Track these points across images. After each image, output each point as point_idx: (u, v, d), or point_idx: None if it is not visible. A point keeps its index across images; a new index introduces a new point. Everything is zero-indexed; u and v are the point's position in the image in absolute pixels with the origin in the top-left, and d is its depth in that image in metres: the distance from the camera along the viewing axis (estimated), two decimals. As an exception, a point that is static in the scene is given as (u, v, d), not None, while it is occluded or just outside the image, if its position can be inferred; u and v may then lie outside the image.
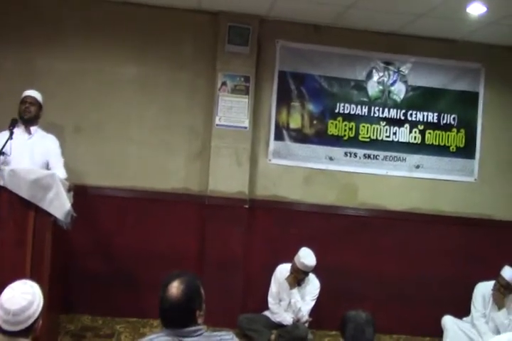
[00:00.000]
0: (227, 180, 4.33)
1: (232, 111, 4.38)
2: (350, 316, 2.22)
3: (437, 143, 4.69)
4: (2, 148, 3.20)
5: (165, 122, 4.43)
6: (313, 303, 3.98)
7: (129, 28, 4.38)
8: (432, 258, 4.57)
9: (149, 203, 4.35)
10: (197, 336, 1.84)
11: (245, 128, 4.40)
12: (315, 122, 4.60)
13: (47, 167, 3.58)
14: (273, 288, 4.08)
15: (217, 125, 4.36)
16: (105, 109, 4.35)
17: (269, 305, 4.07)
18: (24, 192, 3.04)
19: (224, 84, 4.39)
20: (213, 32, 4.42)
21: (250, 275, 4.37)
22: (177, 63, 4.45)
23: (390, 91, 4.67)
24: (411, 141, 4.67)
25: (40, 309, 2.13)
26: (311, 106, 4.58)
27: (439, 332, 4.26)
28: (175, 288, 1.83)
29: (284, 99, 4.56)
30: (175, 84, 4.45)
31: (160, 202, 4.36)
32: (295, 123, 4.57)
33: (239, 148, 4.37)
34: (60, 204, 3.10)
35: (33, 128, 3.67)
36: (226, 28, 4.35)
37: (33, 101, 3.66)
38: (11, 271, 2.87)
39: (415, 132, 4.68)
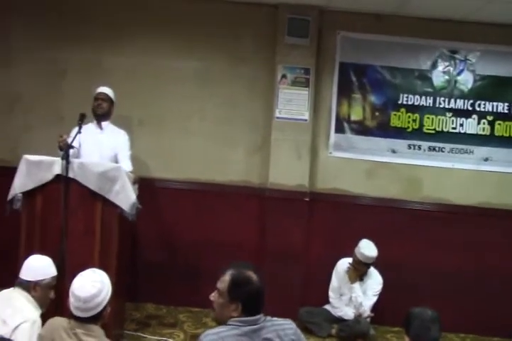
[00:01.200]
0: (287, 172, 4.32)
1: (292, 103, 4.35)
2: (416, 313, 2.16)
3: (508, 135, 4.47)
4: (71, 142, 3.33)
5: (225, 115, 4.47)
6: (375, 299, 3.91)
7: (189, 22, 4.42)
8: (501, 255, 4.38)
9: (210, 195, 4.42)
10: (262, 322, 1.89)
11: (305, 120, 4.36)
12: (377, 114, 4.49)
13: (115, 160, 3.69)
14: (334, 282, 4.05)
15: (277, 118, 4.35)
16: (167, 102, 4.44)
17: (330, 299, 4.04)
18: (92, 184, 3.15)
19: (284, 76, 4.36)
20: (273, 24, 4.39)
21: (310, 268, 4.35)
22: (237, 56, 4.46)
23: (456, 81, 4.48)
24: (479, 133, 4.47)
25: (108, 297, 2.21)
26: (372, 98, 4.48)
27: (510, 332, 4.09)
28: (254, 276, 1.90)
29: (344, 91, 4.48)
30: (235, 78, 4.47)
31: (221, 194, 4.42)
32: (356, 115, 4.49)
33: (299, 140, 4.35)
34: (125, 196, 3.19)
35: (104, 124, 3.82)
36: (286, 20, 4.31)
37: (105, 97, 3.81)
38: (80, 259, 2.99)
39: (484, 123, 4.48)
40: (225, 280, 1.91)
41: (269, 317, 1.94)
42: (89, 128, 3.75)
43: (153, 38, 4.43)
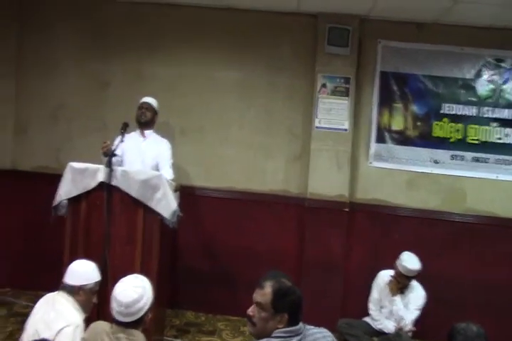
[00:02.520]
0: (326, 182, 4.29)
1: (332, 113, 4.33)
2: (460, 328, 2.09)
3: (554, 145, 4.33)
4: (114, 150, 3.40)
5: (264, 124, 4.49)
6: (417, 313, 3.79)
7: (228, 32, 4.47)
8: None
9: (250, 204, 4.43)
10: (303, 330, 1.88)
11: (345, 130, 4.33)
12: (419, 124, 4.41)
13: (157, 169, 3.74)
14: (374, 294, 3.96)
15: (316, 127, 4.34)
16: (207, 111, 4.50)
17: (370, 312, 3.96)
18: (134, 192, 3.20)
19: (324, 86, 4.35)
20: (312, 34, 4.40)
21: (350, 279, 4.29)
22: (276, 66, 4.48)
23: (501, 90, 4.37)
24: (525, 143, 4.35)
25: (150, 302, 2.24)
26: (414, 107, 4.41)
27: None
28: (292, 284, 1.91)
29: (385, 100, 4.43)
30: (274, 87, 4.49)
31: (260, 204, 4.42)
32: (397, 125, 4.43)
33: (339, 150, 4.32)
34: (166, 204, 3.23)
35: (147, 132, 3.89)
36: (326, 30, 4.30)
37: (149, 106, 3.90)
38: (122, 266, 3.04)
39: (530, 134, 4.35)
40: (266, 292, 1.86)
41: (306, 326, 1.92)
42: (132, 136, 3.83)
43: (193, 48, 4.50)
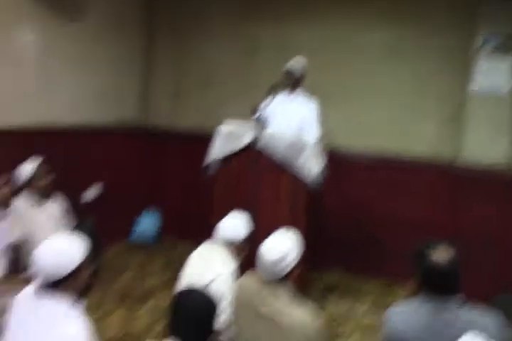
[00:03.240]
0: (483, 149, 3.97)
1: (491, 74, 3.96)
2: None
3: None
4: (262, 112, 3.46)
5: (415, 86, 4.28)
6: None
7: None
8: None
9: (397, 167, 4.30)
10: (458, 309, 1.78)
11: (505, 92, 3.94)
12: None
13: (303, 129, 3.74)
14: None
15: (473, 90, 4.01)
16: (356, 74, 4.40)
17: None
18: (280, 154, 3.28)
19: (482, 45, 3.98)
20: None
21: (508, 254, 3.97)
22: (429, 25, 4.19)
23: None
24: None
25: (297, 259, 2.28)
26: None
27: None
28: (443, 253, 1.82)
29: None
30: (426, 47, 4.22)
31: (408, 167, 4.28)
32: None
33: (496, 114, 3.96)
34: (310, 167, 3.27)
35: (294, 94, 3.91)
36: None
37: (293, 70, 3.87)
38: (270, 226, 3.14)
39: None
40: None
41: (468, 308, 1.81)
42: (280, 98, 3.83)
43: (343, 11, 4.40)
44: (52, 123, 3.97)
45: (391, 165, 4.31)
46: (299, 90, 3.91)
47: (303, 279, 3.37)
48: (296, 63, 3.92)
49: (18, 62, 3.67)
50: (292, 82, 3.86)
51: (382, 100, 4.35)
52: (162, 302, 3.60)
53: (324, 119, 3.95)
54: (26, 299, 1.90)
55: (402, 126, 4.31)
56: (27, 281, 2.15)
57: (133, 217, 4.96)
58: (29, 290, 1.93)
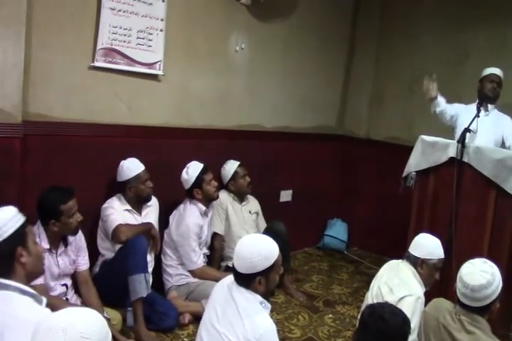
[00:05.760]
0: None
1: None
2: None
3: None
4: (469, 125, 3.21)
5: None
6: None
7: None
8: None
9: None
10: None
11: None
12: None
13: (501, 145, 3.42)
14: None
15: None
16: None
17: None
18: (487, 171, 3.01)
19: None
20: None
21: None
22: None
23: None
24: None
25: (498, 291, 2.09)
26: None
27: None
28: None
29: None
30: None
31: None
32: None
33: None
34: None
35: (490, 107, 3.56)
36: None
37: (499, 80, 3.54)
38: (468, 246, 2.92)
39: None
40: None
41: None
42: (471, 109, 3.45)
43: None
44: (254, 127, 4.23)
45: None
46: (496, 102, 3.54)
47: (505, 311, 3.04)
48: (500, 71, 3.55)
49: (232, 72, 3.98)
50: (498, 93, 3.50)
51: None
52: (348, 310, 3.61)
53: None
54: (225, 287, 2.11)
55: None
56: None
57: (322, 222, 5.03)
58: (229, 279, 2.13)
